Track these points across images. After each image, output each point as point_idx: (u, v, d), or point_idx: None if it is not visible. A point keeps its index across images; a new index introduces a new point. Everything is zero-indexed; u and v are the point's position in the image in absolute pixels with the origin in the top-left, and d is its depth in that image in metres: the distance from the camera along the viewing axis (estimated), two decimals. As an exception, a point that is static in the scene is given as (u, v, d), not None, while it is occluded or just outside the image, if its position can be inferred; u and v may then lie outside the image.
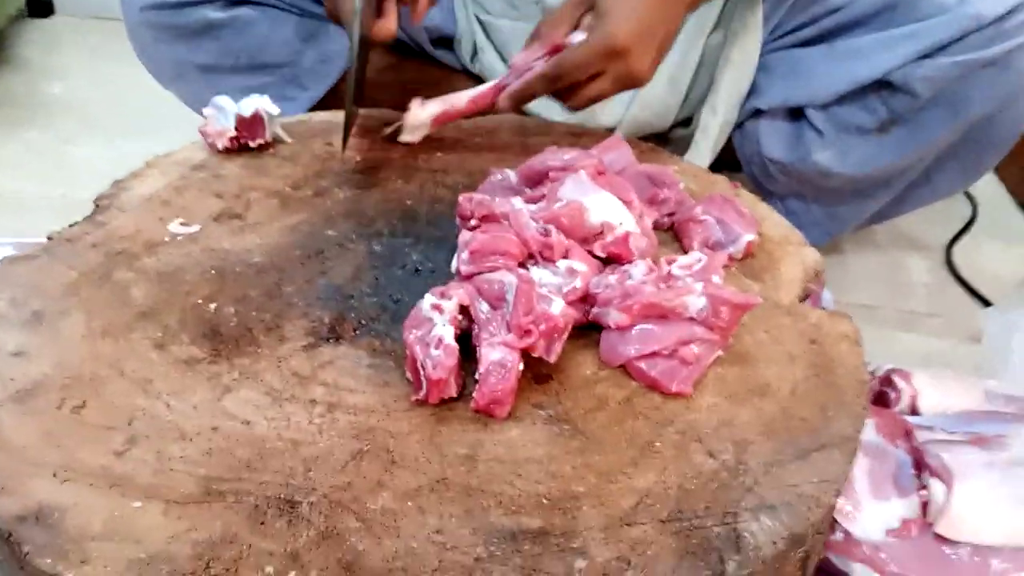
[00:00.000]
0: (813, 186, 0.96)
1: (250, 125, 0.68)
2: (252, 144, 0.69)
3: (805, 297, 0.59)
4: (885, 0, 0.85)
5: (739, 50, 0.90)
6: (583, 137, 0.77)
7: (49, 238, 0.58)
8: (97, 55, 1.64)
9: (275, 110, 0.69)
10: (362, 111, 0.76)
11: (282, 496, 0.40)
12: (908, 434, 0.67)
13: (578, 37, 0.66)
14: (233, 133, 0.68)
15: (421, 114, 0.71)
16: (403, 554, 0.38)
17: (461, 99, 0.71)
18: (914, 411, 0.72)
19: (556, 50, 0.67)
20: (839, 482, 0.43)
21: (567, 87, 0.68)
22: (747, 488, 0.42)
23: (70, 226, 0.60)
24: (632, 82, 0.69)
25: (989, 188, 1.27)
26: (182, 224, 0.60)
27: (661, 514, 0.40)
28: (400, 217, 0.63)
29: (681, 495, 0.41)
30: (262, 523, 0.39)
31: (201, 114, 0.70)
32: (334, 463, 0.42)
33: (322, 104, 1.02)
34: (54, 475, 0.40)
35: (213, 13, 0.93)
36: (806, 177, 0.94)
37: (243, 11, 0.94)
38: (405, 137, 0.72)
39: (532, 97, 0.70)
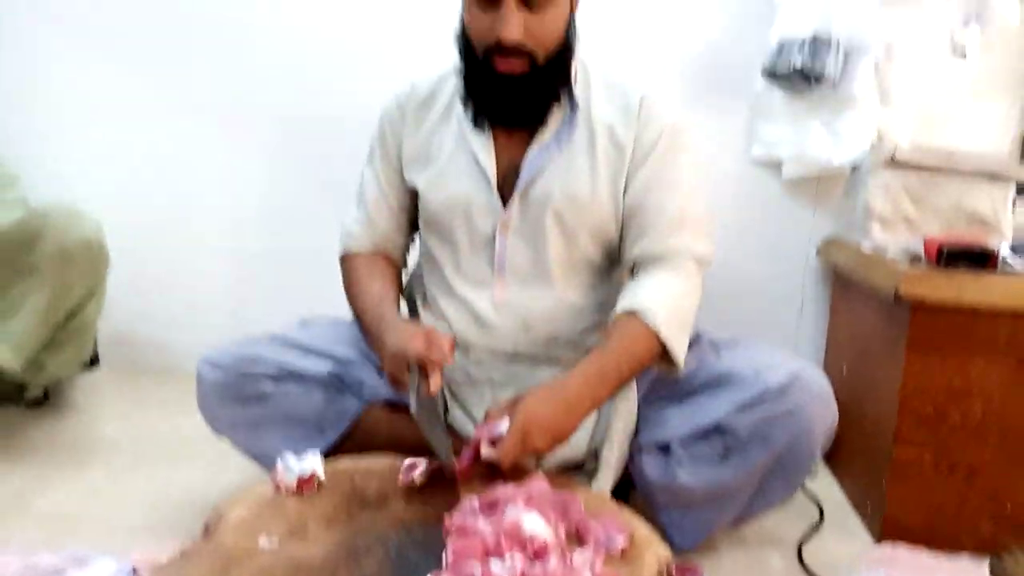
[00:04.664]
0: (682, 499, 1.34)
1: (306, 481, 1.05)
2: (306, 493, 1.06)
3: (659, 574, 0.95)
4: (712, 376, 1.30)
5: (624, 408, 1.31)
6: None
7: (182, 552, 0.92)
8: (135, 402, 2.03)
9: (323, 476, 1.07)
10: (370, 459, 1.15)
11: None
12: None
13: (503, 427, 1.10)
14: (294, 487, 1.05)
15: (419, 473, 1.10)
16: None
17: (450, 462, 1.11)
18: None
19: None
20: None
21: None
22: None
23: (194, 542, 0.95)
24: (537, 453, 1.12)
25: (835, 496, 1.66)
26: (267, 539, 0.95)
27: None
28: (402, 531, 0.99)
29: None
30: None
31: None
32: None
33: (338, 444, 1.38)
34: None
35: (265, 387, 1.33)
36: (676, 492, 1.33)
37: (287, 385, 1.34)
38: (415, 479, 1.09)
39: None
